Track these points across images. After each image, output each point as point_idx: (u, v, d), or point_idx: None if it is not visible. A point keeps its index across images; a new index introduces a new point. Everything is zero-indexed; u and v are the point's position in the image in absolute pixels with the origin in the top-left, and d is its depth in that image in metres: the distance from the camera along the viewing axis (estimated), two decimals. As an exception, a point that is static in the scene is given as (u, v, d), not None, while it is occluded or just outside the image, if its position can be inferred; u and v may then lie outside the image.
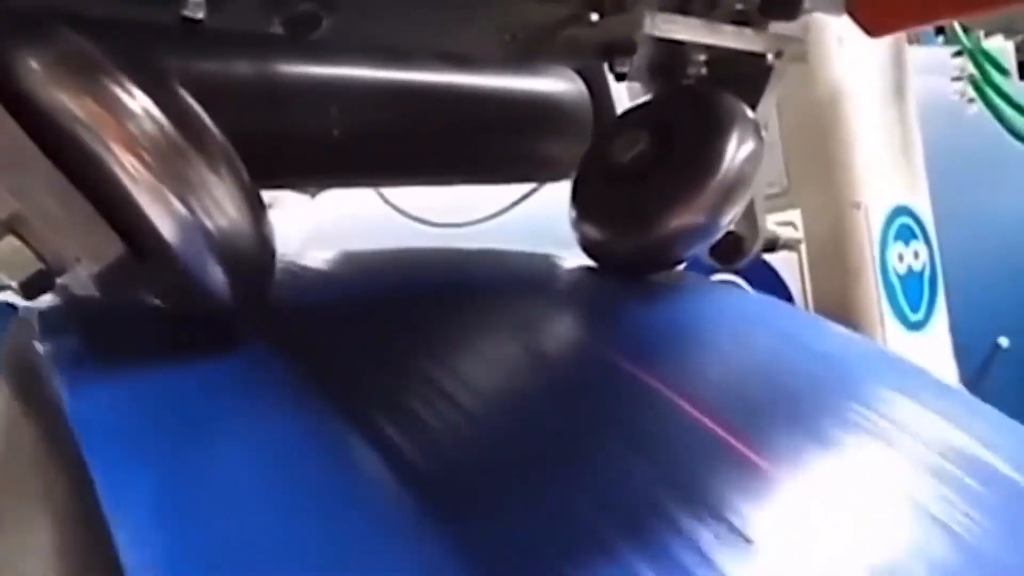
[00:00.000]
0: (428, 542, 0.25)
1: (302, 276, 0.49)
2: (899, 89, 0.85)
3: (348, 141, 0.52)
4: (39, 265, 0.36)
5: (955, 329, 1.41)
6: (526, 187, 0.89)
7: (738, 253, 0.67)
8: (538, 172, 0.65)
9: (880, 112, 0.81)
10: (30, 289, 0.36)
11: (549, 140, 0.59)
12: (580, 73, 0.54)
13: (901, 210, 0.82)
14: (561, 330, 0.46)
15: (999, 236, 2.27)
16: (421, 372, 0.34)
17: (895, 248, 0.81)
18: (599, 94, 0.59)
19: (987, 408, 0.52)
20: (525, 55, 0.49)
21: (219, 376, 0.32)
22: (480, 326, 0.41)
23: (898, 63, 0.88)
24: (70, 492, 0.27)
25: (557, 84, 0.58)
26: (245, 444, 0.29)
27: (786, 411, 0.39)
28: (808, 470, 0.35)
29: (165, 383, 0.31)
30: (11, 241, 0.37)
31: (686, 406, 0.34)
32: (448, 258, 0.56)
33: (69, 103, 0.32)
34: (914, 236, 0.84)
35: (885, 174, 0.79)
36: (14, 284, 0.37)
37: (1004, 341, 2.67)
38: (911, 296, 0.83)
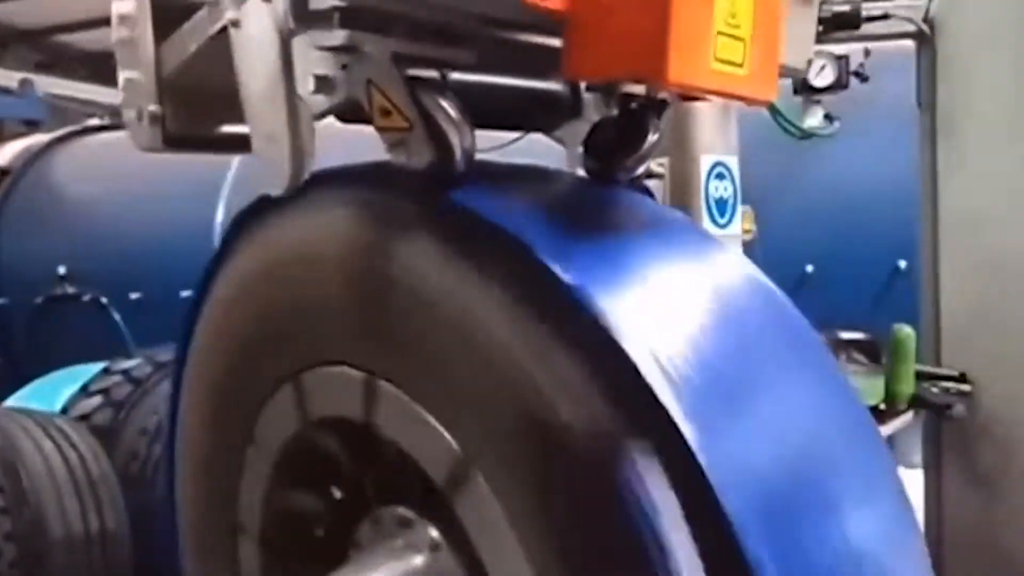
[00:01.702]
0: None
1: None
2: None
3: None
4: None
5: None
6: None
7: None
8: (543, 126, 1.30)
9: (711, 109, 1.49)
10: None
11: (548, 111, 1.24)
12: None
13: (719, 163, 1.51)
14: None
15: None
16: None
17: (714, 184, 1.50)
18: (576, 96, 1.24)
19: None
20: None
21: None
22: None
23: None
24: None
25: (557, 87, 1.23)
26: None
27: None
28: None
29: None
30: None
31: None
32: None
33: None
34: (724, 178, 1.53)
35: (711, 143, 1.48)
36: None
37: (810, 268, 3.59)
38: (720, 210, 1.53)
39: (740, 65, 0.81)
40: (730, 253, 1.13)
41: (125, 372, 3.22)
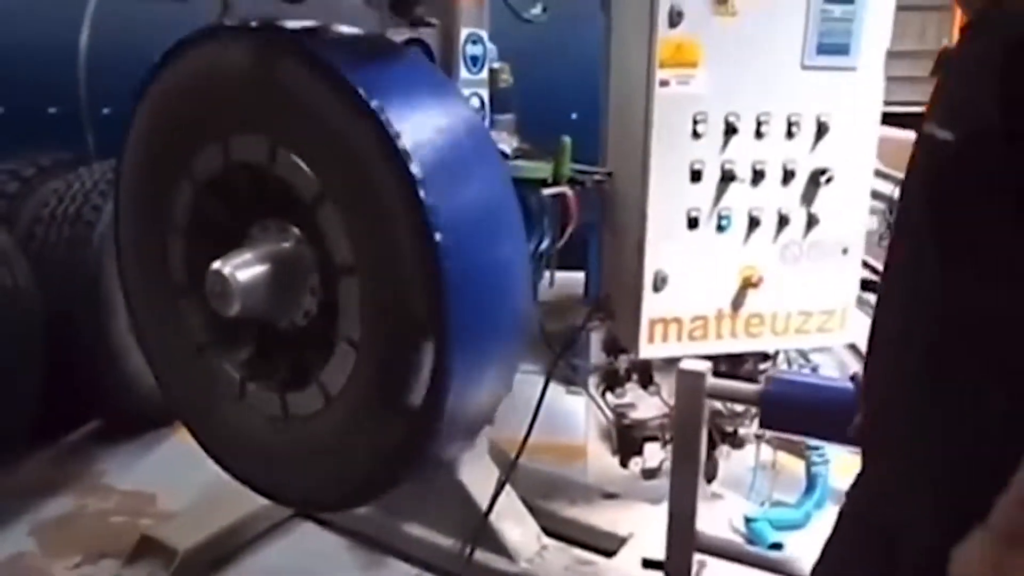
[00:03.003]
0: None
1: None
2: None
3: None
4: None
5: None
6: None
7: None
8: None
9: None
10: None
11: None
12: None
13: (473, 33, 2.44)
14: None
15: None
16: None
17: (469, 46, 2.43)
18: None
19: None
20: None
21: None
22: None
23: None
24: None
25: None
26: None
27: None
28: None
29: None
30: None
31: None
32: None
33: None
34: (477, 43, 2.47)
35: (467, 20, 2.40)
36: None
37: (575, 115, 4.72)
38: (473, 62, 2.48)
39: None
40: (453, 89, 2.11)
41: (10, 171, 3.79)
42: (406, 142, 1.76)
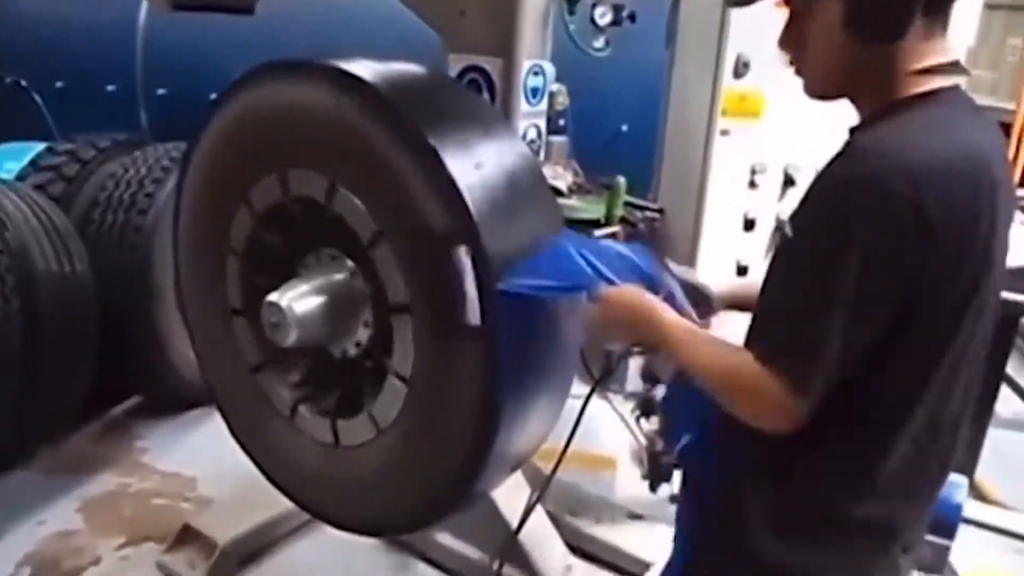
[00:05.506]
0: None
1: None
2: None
3: None
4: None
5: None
6: None
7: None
8: None
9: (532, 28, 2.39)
10: None
11: None
12: None
13: (536, 64, 2.43)
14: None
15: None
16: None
17: (531, 78, 2.43)
18: None
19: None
20: None
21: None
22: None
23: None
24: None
25: None
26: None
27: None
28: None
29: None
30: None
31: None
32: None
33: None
34: (538, 74, 2.46)
35: (531, 51, 2.39)
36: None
37: (624, 127, 4.72)
38: (534, 94, 2.48)
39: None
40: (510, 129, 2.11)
41: (70, 152, 3.87)
42: (463, 185, 1.77)
